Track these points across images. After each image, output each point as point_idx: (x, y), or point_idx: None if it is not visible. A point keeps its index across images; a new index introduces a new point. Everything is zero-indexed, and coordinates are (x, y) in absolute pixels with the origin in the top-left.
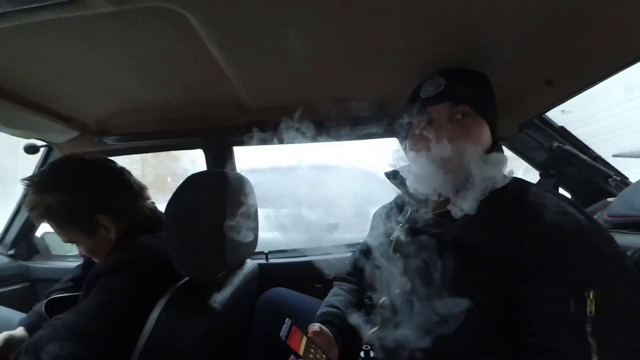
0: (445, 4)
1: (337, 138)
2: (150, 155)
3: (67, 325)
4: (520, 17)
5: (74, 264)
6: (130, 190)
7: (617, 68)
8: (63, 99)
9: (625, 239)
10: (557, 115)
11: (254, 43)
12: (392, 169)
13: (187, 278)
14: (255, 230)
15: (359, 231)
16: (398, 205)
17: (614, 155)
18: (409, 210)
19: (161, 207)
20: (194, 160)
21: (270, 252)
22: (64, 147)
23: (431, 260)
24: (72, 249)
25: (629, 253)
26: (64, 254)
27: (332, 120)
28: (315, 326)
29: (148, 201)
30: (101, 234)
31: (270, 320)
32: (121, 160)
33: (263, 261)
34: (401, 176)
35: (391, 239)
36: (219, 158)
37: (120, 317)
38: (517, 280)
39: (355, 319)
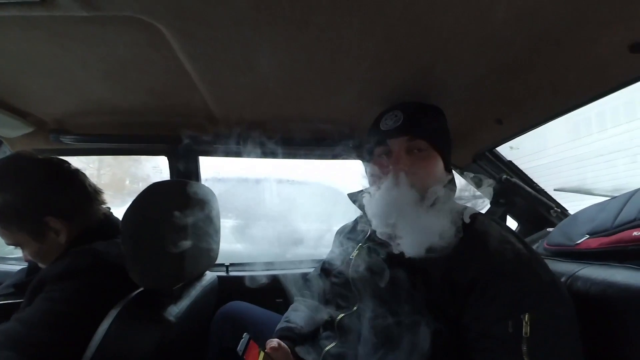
0: (404, 45)
1: (303, 156)
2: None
3: (7, 334)
4: (472, 62)
5: (16, 267)
6: (84, 193)
7: (558, 113)
8: (21, 94)
9: (560, 266)
10: (507, 150)
11: (226, 59)
12: (357, 190)
13: (142, 288)
14: (216, 243)
15: (324, 247)
16: (359, 225)
17: (555, 189)
18: (368, 231)
19: (118, 210)
20: (157, 167)
21: (231, 264)
22: (16, 143)
23: (385, 280)
24: (15, 251)
25: (563, 279)
26: (3, 255)
27: (299, 138)
28: (274, 342)
29: (103, 206)
30: (50, 238)
31: (228, 334)
32: (76, 160)
33: (223, 273)
34: (362, 198)
35: (350, 257)
36: (184, 167)
37: (67, 327)
38: (464, 301)
39: (313, 335)
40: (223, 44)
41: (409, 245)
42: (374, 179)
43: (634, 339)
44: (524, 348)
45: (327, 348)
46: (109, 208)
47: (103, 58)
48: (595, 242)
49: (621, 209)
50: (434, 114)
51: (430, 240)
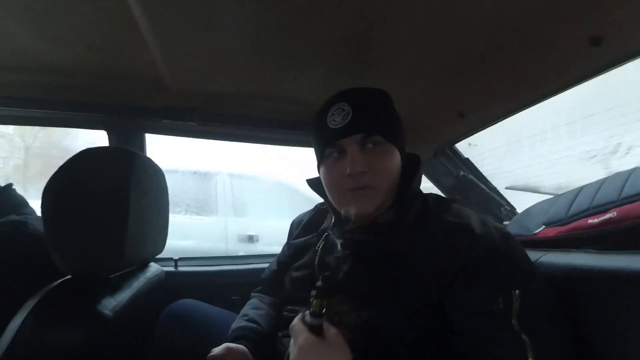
0: (375, 23)
1: (264, 141)
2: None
3: None
4: (438, 52)
5: None
6: None
7: (521, 106)
8: None
9: None
10: (465, 148)
11: (184, 10)
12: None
13: (69, 276)
14: (163, 229)
15: (279, 244)
16: (319, 213)
17: (506, 188)
18: (332, 218)
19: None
20: (94, 143)
21: (180, 258)
22: None
23: (362, 268)
24: None
25: None
26: None
27: (261, 118)
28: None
29: None
30: None
31: (175, 335)
32: None
33: (171, 269)
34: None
35: (316, 248)
36: (127, 144)
37: None
38: (449, 285)
39: (273, 334)
40: None
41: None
42: (331, 184)
43: (597, 317)
44: (514, 322)
45: (291, 346)
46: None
47: None
48: (553, 231)
49: (572, 202)
50: (383, 102)
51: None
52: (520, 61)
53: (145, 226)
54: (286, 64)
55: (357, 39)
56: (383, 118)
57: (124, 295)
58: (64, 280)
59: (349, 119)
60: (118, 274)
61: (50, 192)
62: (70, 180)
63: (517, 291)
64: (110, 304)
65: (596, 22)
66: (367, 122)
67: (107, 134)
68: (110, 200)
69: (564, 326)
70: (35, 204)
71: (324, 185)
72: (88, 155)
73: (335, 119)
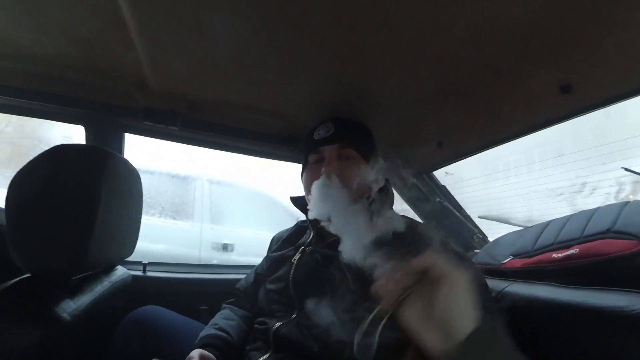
0: (363, 44)
1: (244, 151)
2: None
3: None
4: (418, 83)
5: None
6: None
7: (494, 142)
8: None
9: (489, 283)
10: (442, 176)
11: (174, 13)
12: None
13: (27, 275)
14: (134, 232)
15: (255, 255)
16: (299, 230)
17: (479, 217)
18: (311, 234)
19: None
20: (70, 137)
21: (149, 263)
22: None
23: (335, 283)
24: None
25: (493, 295)
26: None
27: (242, 129)
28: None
29: None
30: None
31: (136, 344)
32: None
33: (139, 273)
34: (304, 202)
35: (292, 261)
36: (105, 142)
37: None
38: None
39: (242, 347)
40: None
41: (348, 248)
42: (309, 184)
43: (556, 347)
44: None
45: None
46: None
47: None
48: (519, 262)
49: (539, 235)
50: (362, 129)
51: (369, 244)
52: (494, 99)
53: (114, 228)
54: (273, 78)
55: (343, 62)
56: (360, 138)
57: (85, 299)
58: (21, 279)
59: (330, 132)
60: (80, 276)
61: (17, 186)
62: (39, 175)
63: None
64: (69, 306)
65: (566, 70)
66: (345, 136)
67: (85, 130)
68: (78, 199)
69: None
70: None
71: (304, 188)
72: (60, 152)
73: (320, 133)
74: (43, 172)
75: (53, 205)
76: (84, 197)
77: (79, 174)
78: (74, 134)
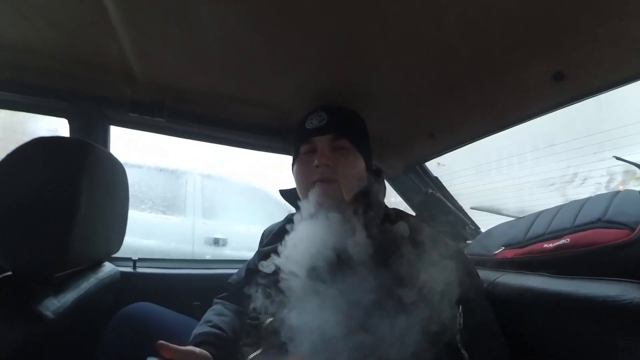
0: (355, 38)
1: (233, 143)
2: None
3: None
4: (410, 73)
5: None
6: None
7: (487, 132)
8: None
9: (481, 274)
10: (434, 167)
11: (160, 2)
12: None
13: (8, 272)
14: (120, 227)
15: (249, 250)
16: (290, 224)
17: (471, 208)
18: None
19: None
20: (55, 130)
21: (139, 259)
22: None
23: (331, 277)
24: None
25: (484, 285)
26: None
27: (230, 121)
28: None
29: None
30: None
31: (126, 342)
32: None
33: (129, 269)
34: (295, 195)
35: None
36: (89, 135)
37: None
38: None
39: (236, 343)
40: None
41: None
42: (300, 175)
43: (547, 338)
44: (458, 337)
45: (251, 356)
46: None
47: None
48: (511, 253)
49: (530, 226)
50: (355, 118)
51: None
52: (487, 89)
53: (98, 223)
54: (263, 68)
55: (334, 52)
56: (353, 128)
57: (69, 296)
58: (3, 276)
59: (323, 122)
60: (64, 273)
61: None
62: (18, 169)
63: (460, 307)
64: (53, 304)
65: (559, 59)
66: (338, 126)
67: (69, 122)
68: (57, 193)
69: (503, 346)
70: None
71: (295, 180)
72: (40, 145)
73: (312, 122)
74: (21, 166)
75: (31, 200)
76: (64, 190)
77: (58, 167)
78: (59, 127)
